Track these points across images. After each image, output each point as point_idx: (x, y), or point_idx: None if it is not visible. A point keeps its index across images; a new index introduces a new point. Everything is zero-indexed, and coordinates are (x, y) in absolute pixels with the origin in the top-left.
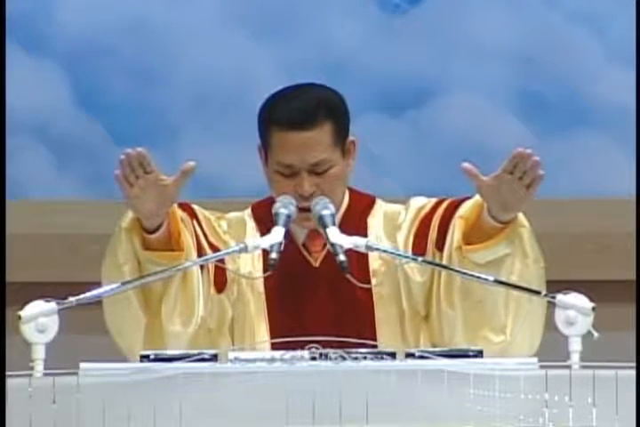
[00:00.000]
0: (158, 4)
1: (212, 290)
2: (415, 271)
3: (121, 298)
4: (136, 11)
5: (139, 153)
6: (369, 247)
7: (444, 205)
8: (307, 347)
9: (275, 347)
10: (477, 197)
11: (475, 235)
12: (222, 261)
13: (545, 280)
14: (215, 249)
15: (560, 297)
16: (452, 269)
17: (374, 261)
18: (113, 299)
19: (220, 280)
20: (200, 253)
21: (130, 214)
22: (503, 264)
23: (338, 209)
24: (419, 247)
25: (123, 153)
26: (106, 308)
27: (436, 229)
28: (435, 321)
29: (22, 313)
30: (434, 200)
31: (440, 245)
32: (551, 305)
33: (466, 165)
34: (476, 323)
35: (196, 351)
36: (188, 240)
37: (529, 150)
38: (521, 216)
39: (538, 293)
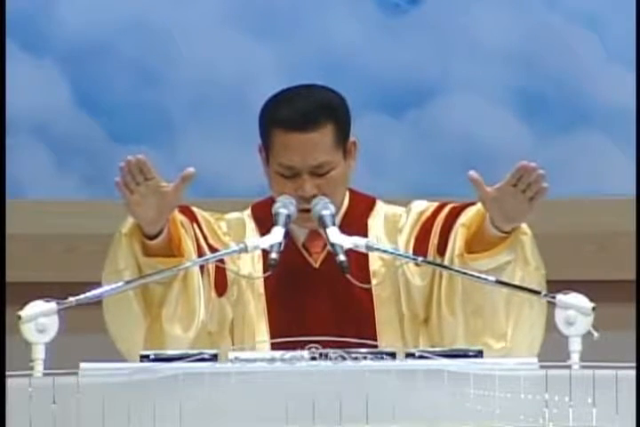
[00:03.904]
0: (158, 4)
1: (213, 294)
2: (415, 275)
3: (121, 302)
4: (136, 11)
5: (138, 160)
6: (369, 247)
7: (446, 210)
8: (307, 347)
9: (275, 347)
10: (479, 206)
11: (477, 243)
12: (222, 261)
13: (545, 288)
14: (215, 251)
15: (560, 297)
16: (451, 269)
17: (374, 262)
18: (113, 303)
19: (221, 283)
20: (200, 256)
21: (130, 220)
22: (504, 271)
23: (338, 210)
24: (419, 252)
25: (123, 160)
26: (106, 312)
27: (438, 234)
28: (435, 326)
29: (22, 313)
30: (435, 204)
31: (441, 250)
32: (551, 306)
33: (472, 173)
34: (476, 329)
35: (196, 351)
36: (189, 246)
37: (533, 164)
38: (523, 224)
39: (538, 293)
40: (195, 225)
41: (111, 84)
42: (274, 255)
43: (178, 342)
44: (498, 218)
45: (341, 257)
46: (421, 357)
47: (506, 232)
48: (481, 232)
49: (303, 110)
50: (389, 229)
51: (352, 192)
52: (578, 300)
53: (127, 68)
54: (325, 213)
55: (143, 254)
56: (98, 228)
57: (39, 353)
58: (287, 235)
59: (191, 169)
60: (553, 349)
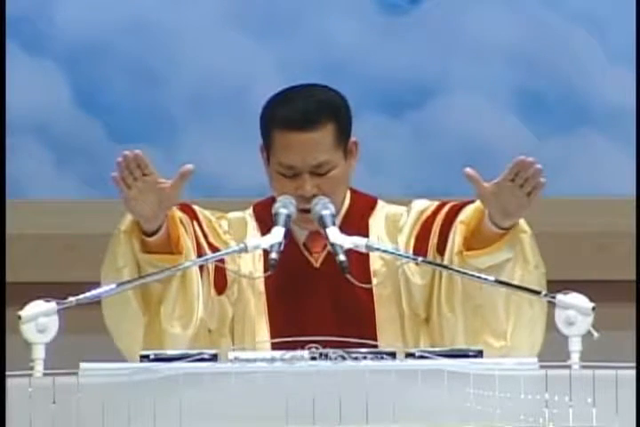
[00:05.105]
0: (158, 4)
1: (213, 292)
2: (416, 274)
3: (120, 300)
4: (136, 11)
5: (136, 155)
6: (369, 247)
7: (446, 208)
8: (307, 347)
9: (275, 347)
10: (478, 203)
11: (476, 240)
12: (222, 261)
13: (545, 286)
14: (215, 250)
15: (560, 297)
16: (451, 269)
17: (375, 262)
18: (112, 301)
19: (220, 282)
20: (200, 254)
21: (129, 217)
22: (504, 270)
23: (339, 210)
24: (419, 250)
25: (120, 155)
26: (105, 310)
27: (437, 233)
28: (435, 325)
29: (22, 313)
30: (436, 203)
31: (441, 249)
32: (551, 306)
33: (468, 170)
34: (476, 328)
35: (195, 351)
36: (188, 243)
37: (530, 158)
38: (522, 222)
39: (538, 293)
40: (195, 223)
41: (111, 84)
42: (274, 255)
43: (177, 339)
44: (496, 213)
45: (341, 257)
46: (421, 357)
47: (504, 229)
48: (480, 229)
49: (303, 110)
50: (390, 229)
51: (353, 192)
52: (578, 300)
53: (127, 68)
54: (325, 212)
55: (142, 251)
56: (98, 227)
57: (39, 353)
58: (288, 234)
59: (189, 166)
60: (553, 349)
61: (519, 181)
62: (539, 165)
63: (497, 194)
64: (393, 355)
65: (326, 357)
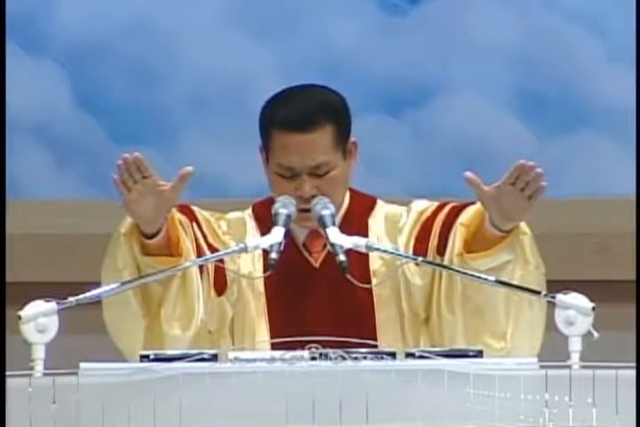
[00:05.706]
0: (159, 5)
1: (213, 293)
2: (415, 275)
3: (120, 301)
4: (136, 11)
5: (136, 158)
6: (369, 247)
7: (446, 209)
8: (307, 347)
9: (275, 347)
10: (479, 205)
11: (476, 242)
12: (222, 261)
13: (545, 286)
14: (215, 251)
15: (560, 297)
16: (451, 269)
17: (375, 262)
18: (112, 302)
19: (220, 283)
20: (200, 256)
21: (128, 220)
22: (504, 271)
23: (338, 210)
24: (419, 251)
25: (120, 158)
26: (105, 311)
27: (437, 234)
28: (435, 326)
29: (22, 313)
30: (435, 204)
31: (441, 250)
32: (551, 306)
33: (468, 173)
34: (476, 329)
35: (195, 351)
36: (188, 245)
37: (531, 162)
38: (522, 224)
39: (538, 293)
40: (194, 224)
41: (111, 84)
42: (274, 255)
43: (177, 341)
44: (496, 217)
45: (341, 257)
46: (421, 357)
47: (505, 231)
48: (480, 232)
49: (302, 111)
50: (390, 229)
51: (352, 192)
52: (578, 300)
53: (127, 69)
54: (325, 212)
55: (142, 254)
56: (98, 228)
57: (39, 353)
58: (288, 234)
59: (189, 168)
60: (553, 349)
61: (520, 184)
62: (539, 169)
63: (497, 197)
64: (393, 355)
65: (326, 357)
